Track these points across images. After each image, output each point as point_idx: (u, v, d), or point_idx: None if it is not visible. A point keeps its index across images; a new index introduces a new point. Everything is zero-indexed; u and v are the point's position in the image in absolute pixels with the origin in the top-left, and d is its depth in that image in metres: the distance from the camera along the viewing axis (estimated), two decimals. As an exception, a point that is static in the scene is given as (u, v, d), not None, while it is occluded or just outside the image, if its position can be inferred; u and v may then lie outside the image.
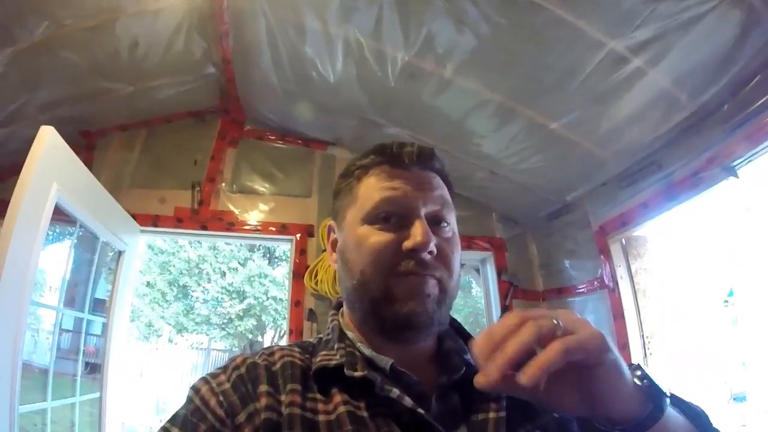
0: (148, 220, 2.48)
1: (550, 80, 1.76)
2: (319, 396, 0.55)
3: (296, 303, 2.49)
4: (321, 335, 0.67)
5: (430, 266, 0.57)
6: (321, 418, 0.52)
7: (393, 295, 0.56)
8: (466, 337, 0.66)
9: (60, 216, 1.59)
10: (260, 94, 2.64)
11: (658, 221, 2.00)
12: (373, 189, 0.61)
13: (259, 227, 2.66)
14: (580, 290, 2.42)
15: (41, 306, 1.78)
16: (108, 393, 2.00)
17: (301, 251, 2.61)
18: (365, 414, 0.53)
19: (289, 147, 2.91)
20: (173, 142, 2.75)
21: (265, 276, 10.53)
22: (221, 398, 0.53)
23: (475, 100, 2.01)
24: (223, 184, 2.73)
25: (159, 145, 2.73)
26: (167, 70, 2.29)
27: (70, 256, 1.84)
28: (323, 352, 0.60)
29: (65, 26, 1.80)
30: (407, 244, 0.56)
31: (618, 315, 2.11)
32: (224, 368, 0.58)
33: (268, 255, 11.40)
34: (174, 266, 10.18)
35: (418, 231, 0.56)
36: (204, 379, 0.57)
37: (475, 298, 11.01)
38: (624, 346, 2.06)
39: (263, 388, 0.54)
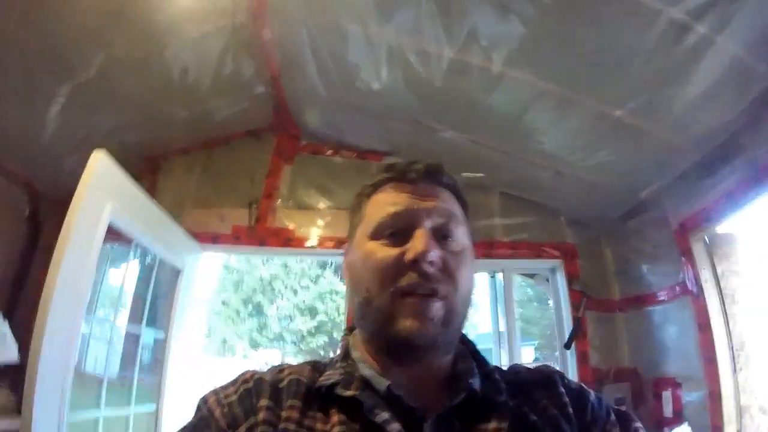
0: (209, 239, 2.55)
1: (609, 63, 1.59)
2: (319, 414, 0.55)
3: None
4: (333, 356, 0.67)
5: (433, 279, 0.55)
6: None
7: (395, 315, 0.55)
8: (480, 360, 0.63)
9: (116, 235, 1.65)
10: (311, 108, 2.66)
11: (745, 214, 1.74)
12: (379, 205, 0.62)
13: (316, 242, 2.65)
14: (661, 298, 2.15)
15: (98, 320, 1.86)
16: (165, 406, 2.04)
17: (357, 264, 2.56)
18: None
19: (344, 160, 2.89)
20: (231, 162, 2.83)
21: (337, 293, 10.70)
22: (226, 410, 0.55)
23: (529, 92, 1.87)
24: (280, 201, 2.75)
25: (218, 165, 2.82)
26: (220, 92, 2.36)
27: (129, 273, 1.92)
28: (328, 372, 0.60)
29: (119, 56, 1.90)
30: (408, 255, 0.56)
31: (704, 325, 1.84)
32: (234, 382, 0.60)
33: (339, 271, 11.57)
34: (247, 284, 10.62)
35: (417, 241, 0.56)
36: (213, 391, 0.59)
37: (551, 310, 10.45)
38: (711, 361, 1.79)
39: (264, 402, 0.55)
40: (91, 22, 1.70)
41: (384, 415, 0.51)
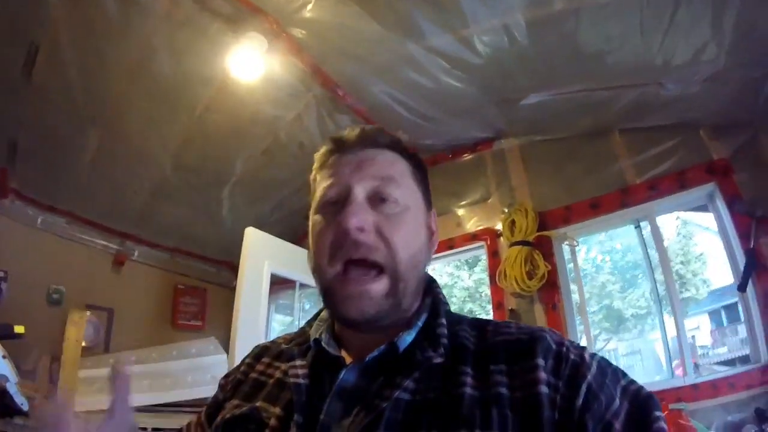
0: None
1: None
2: (282, 365, 0.64)
3: (498, 305, 2.60)
4: None
5: (364, 246, 0.56)
6: (270, 380, 0.63)
7: (336, 297, 0.57)
8: (434, 312, 0.62)
9: (281, 281, 2.23)
10: (412, 131, 2.93)
11: None
12: (321, 180, 0.65)
13: (453, 243, 2.89)
14: None
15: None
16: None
17: (493, 253, 2.72)
18: (289, 381, 0.59)
19: (460, 160, 3.08)
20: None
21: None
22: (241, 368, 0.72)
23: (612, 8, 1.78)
24: (417, 215, 3.07)
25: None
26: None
27: (300, 308, 2.52)
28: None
29: (257, 155, 2.56)
30: (338, 227, 0.57)
31: None
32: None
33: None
34: (456, 296, 11.07)
35: (345, 211, 0.57)
36: None
37: None
38: None
39: (248, 360, 0.71)
40: (231, 149, 2.43)
41: (296, 362, 0.60)
